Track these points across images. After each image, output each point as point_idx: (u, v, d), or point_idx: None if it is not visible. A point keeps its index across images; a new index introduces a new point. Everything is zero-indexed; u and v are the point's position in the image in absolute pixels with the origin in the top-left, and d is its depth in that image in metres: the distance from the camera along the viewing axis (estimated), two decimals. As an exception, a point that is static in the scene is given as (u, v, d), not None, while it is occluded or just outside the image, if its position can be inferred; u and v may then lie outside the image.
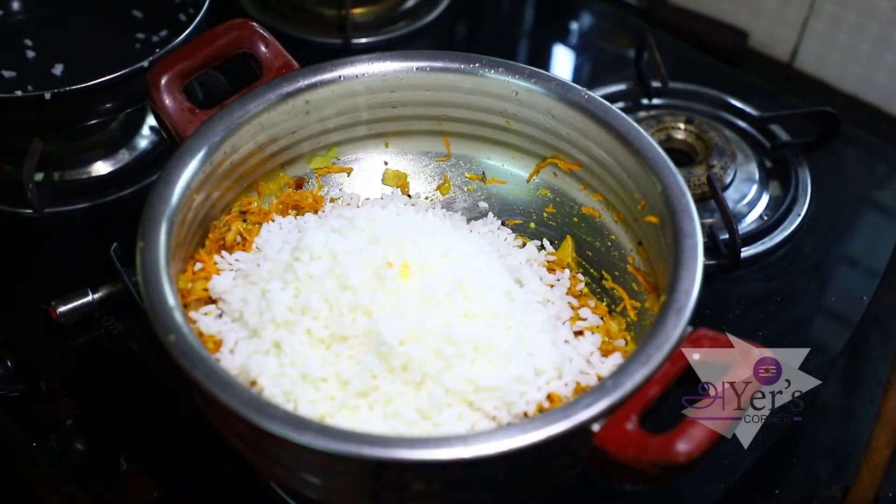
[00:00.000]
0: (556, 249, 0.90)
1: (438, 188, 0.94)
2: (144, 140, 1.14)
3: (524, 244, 0.90)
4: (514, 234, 0.91)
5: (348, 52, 1.10)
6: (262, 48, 0.87)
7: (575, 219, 0.90)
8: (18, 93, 0.99)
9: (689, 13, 1.43)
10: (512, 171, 0.93)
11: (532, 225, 0.92)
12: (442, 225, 0.86)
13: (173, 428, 0.88)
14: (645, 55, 1.21)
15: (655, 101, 1.21)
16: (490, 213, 0.92)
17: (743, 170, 1.11)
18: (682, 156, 1.12)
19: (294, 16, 1.34)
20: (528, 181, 0.93)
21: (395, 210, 0.85)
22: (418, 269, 0.75)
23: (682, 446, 0.62)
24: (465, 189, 0.94)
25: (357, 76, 0.87)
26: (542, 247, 0.90)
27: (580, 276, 0.88)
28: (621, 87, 1.22)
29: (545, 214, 0.92)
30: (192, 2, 1.16)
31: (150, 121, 1.15)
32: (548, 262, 0.88)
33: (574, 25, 1.43)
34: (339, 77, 0.87)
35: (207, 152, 0.79)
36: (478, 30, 1.46)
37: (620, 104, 1.19)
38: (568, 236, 0.90)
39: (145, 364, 0.91)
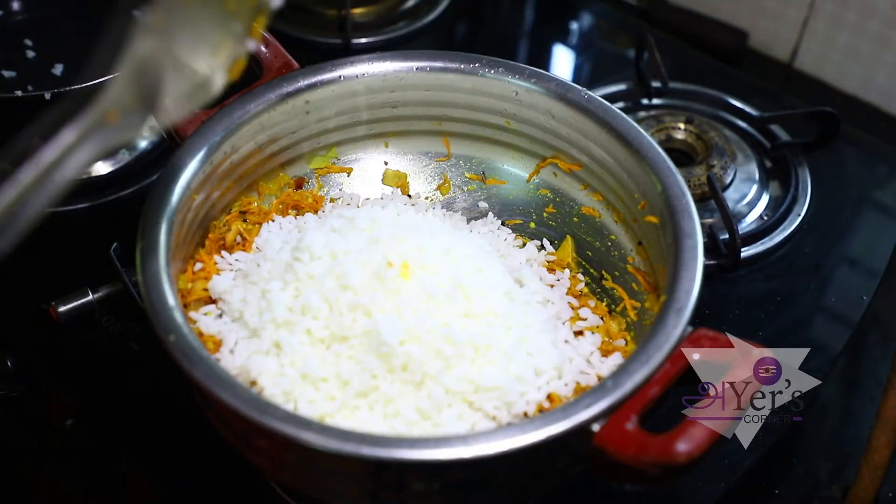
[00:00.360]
0: (556, 249, 0.90)
1: (438, 188, 0.94)
2: (144, 140, 1.14)
3: (524, 244, 0.90)
4: (514, 234, 0.91)
5: (348, 52, 1.10)
6: (262, 48, 0.87)
7: (575, 219, 0.90)
8: (18, 93, 0.99)
9: (689, 13, 1.43)
10: (512, 171, 0.93)
11: (532, 225, 0.92)
12: (442, 225, 0.86)
13: (173, 428, 0.87)
14: (645, 55, 1.20)
15: (655, 101, 1.21)
16: (490, 213, 0.92)
17: (743, 170, 1.11)
18: (682, 156, 1.12)
19: (294, 16, 1.34)
20: (528, 181, 0.93)
21: (395, 210, 0.85)
22: (418, 269, 0.75)
23: (682, 446, 0.62)
24: (465, 189, 0.94)
25: (357, 76, 0.87)
26: (542, 247, 0.90)
27: (580, 276, 0.88)
28: (621, 87, 1.22)
29: (545, 214, 0.92)
30: (192, 2, 1.15)
31: (150, 121, 1.15)
32: (548, 262, 0.88)
33: (574, 25, 1.43)
34: (339, 77, 0.87)
35: (207, 152, 0.79)
36: (478, 30, 1.46)
37: (620, 104, 1.19)
38: (568, 236, 0.90)
39: (145, 364, 0.91)
